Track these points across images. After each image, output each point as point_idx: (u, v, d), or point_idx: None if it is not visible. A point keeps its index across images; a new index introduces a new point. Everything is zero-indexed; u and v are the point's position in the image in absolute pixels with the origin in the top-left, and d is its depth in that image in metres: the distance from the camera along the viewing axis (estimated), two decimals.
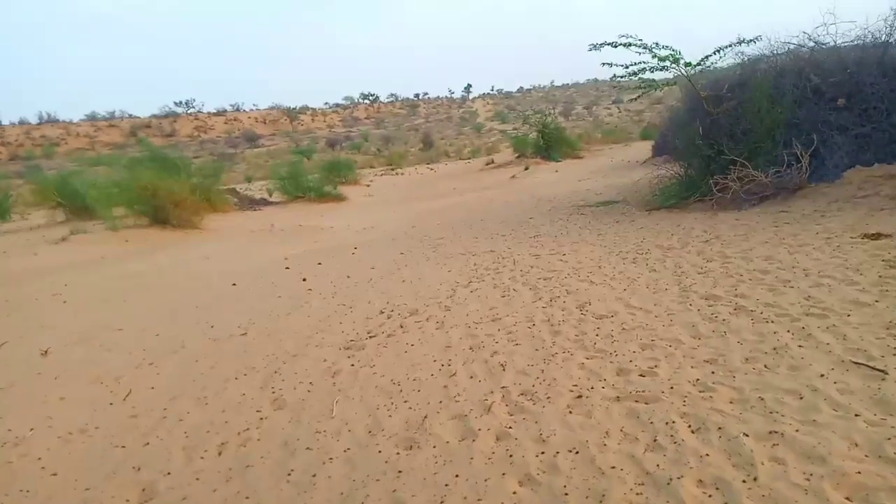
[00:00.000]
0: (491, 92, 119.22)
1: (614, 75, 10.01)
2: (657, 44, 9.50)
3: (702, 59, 9.53)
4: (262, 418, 3.39)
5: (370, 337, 4.70)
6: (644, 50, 9.61)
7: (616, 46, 9.88)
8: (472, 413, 3.06)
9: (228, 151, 64.39)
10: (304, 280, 7.50)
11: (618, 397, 3.01)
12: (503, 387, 3.33)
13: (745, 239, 6.33)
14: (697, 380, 3.06)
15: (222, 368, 4.36)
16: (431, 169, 36.11)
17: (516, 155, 30.15)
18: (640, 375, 3.23)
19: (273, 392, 3.77)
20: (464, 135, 72.49)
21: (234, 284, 7.71)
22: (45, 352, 5.15)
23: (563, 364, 3.54)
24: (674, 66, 9.59)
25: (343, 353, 4.38)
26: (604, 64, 9.81)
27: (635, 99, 10.68)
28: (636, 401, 2.95)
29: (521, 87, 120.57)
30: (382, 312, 5.44)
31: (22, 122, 79.68)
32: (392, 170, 37.42)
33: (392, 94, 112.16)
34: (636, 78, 9.87)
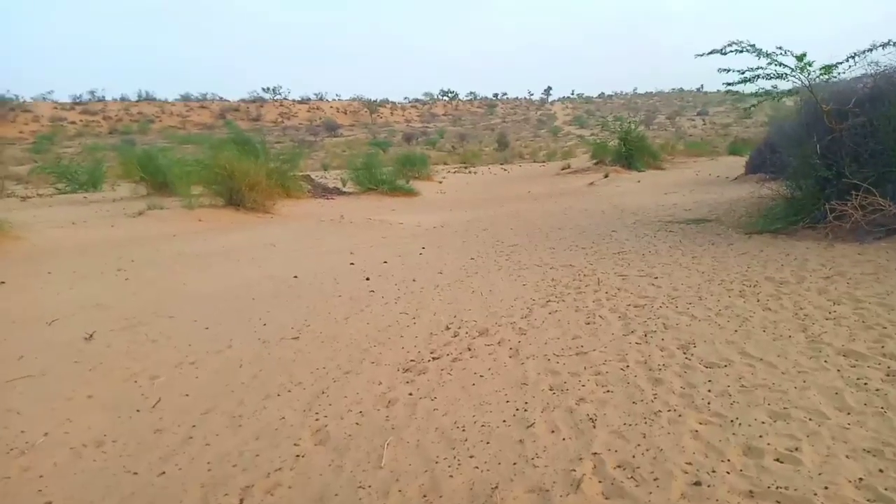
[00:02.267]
0: (571, 96, 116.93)
1: (726, 83, 9.00)
2: (780, 48, 8.45)
3: (830, 66, 8.41)
4: (298, 455, 2.86)
5: (433, 358, 4.12)
6: (761, 56, 8.59)
7: (725, 53, 8.91)
8: (556, 487, 2.42)
9: (308, 139, 65.86)
10: (368, 280, 7.04)
11: (751, 492, 2.29)
12: (594, 453, 2.67)
13: (876, 280, 5.35)
14: (860, 479, 2.30)
15: (266, 379, 3.90)
16: (505, 170, 35.36)
17: (594, 161, 29.11)
18: (777, 460, 2.49)
19: (317, 419, 3.25)
20: (540, 137, 71.21)
21: (296, 277, 7.33)
22: (90, 336, 4.88)
23: (671, 428, 2.84)
24: (796, 74, 8.51)
25: (401, 376, 3.82)
26: (720, 70, 8.81)
27: (752, 108, 9.57)
28: (778, 501, 2.22)
29: (603, 93, 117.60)
30: (448, 328, 4.86)
31: (123, 99, 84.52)
32: (465, 168, 36.90)
33: (471, 93, 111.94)
34: (751, 84, 8.83)
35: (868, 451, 2.50)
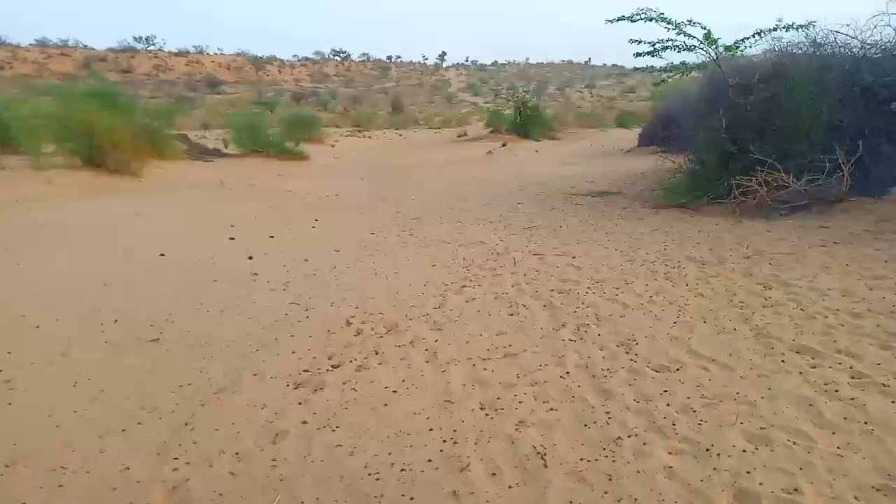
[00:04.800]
0: (465, 63, 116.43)
1: (636, 53, 8.66)
2: (689, 21, 8.22)
3: (738, 42, 8.31)
4: None
5: (332, 367, 3.32)
6: (670, 27, 8.33)
7: (634, 21, 8.58)
8: None
9: (187, 95, 60.68)
10: (250, 259, 6.03)
11: None
12: None
13: (796, 261, 5.18)
14: None
15: (108, 405, 2.91)
16: (400, 135, 34.36)
17: (490, 129, 28.88)
18: None
19: (175, 468, 2.37)
20: (434, 103, 70.44)
21: (163, 255, 6.16)
22: None
23: (638, 464, 2.27)
24: (704, 47, 8.34)
25: (292, 395, 2.99)
26: (631, 41, 8.45)
27: (661, 83, 9.35)
28: None
29: (496, 61, 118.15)
30: (350, 323, 4.06)
31: None
32: (359, 131, 35.42)
33: (364, 54, 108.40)
34: (659, 57, 8.57)
35: (877, 490, 2.05)
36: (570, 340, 3.60)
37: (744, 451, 2.33)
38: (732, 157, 7.98)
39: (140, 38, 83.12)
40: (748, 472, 2.19)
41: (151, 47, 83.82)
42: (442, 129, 39.99)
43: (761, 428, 2.48)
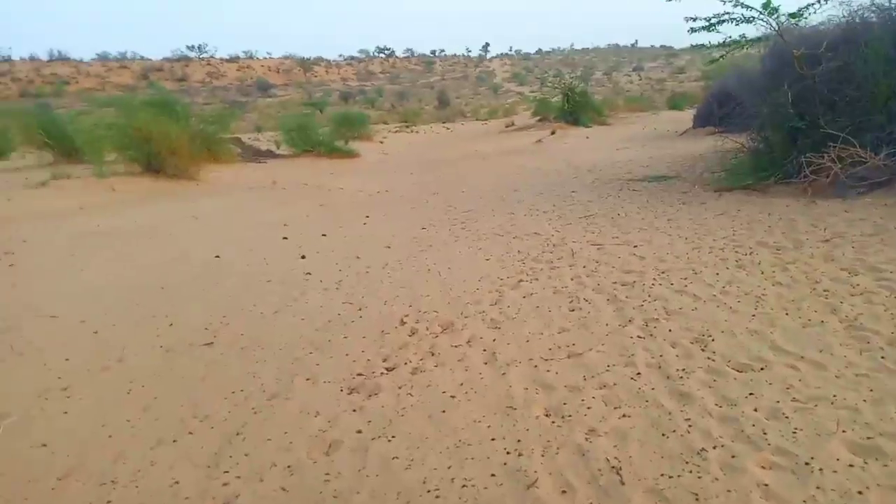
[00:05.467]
0: (509, 53, 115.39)
1: (691, 29, 8.19)
2: None
3: (801, 9, 7.74)
4: None
5: (387, 370, 3.19)
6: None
7: None
8: None
9: (240, 100, 62.44)
10: (303, 258, 5.99)
11: None
12: None
13: (882, 242, 4.73)
14: None
15: (161, 413, 2.86)
16: (448, 128, 34.26)
17: (537, 118, 28.41)
18: None
19: (225, 483, 2.27)
20: (480, 95, 70.14)
21: (218, 257, 6.20)
22: None
23: (729, 481, 2.02)
24: (764, 17, 7.80)
25: (346, 401, 2.87)
26: (687, 18, 7.99)
27: (718, 59, 8.82)
28: None
29: (540, 49, 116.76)
30: (404, 323, 3.92)
31: (32, 59, 77.64)
32: (406, 127, 35.52)
33: (408, 50, 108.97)
34: (716, 32, 8.06)
35: None
36: (639, 337, 3.34)
37: (850, 465, 2.05)
38: (801, 133, 7.45)
39: (193, 46, 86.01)
40: (860, 493, 1.91)
41: (204, 55, 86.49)
42: (489, 121, 39.68)
43: (868, 437, 2.19)
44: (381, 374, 3.13)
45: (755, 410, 2.45)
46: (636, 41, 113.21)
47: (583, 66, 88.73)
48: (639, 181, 9.53)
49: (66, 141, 16.06)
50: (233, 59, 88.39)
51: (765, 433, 2.28)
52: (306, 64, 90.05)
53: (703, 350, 3.10)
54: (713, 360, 2.97)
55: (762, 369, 2.82)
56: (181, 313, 4.38)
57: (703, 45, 8.48)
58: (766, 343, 3.11)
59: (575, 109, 25.25)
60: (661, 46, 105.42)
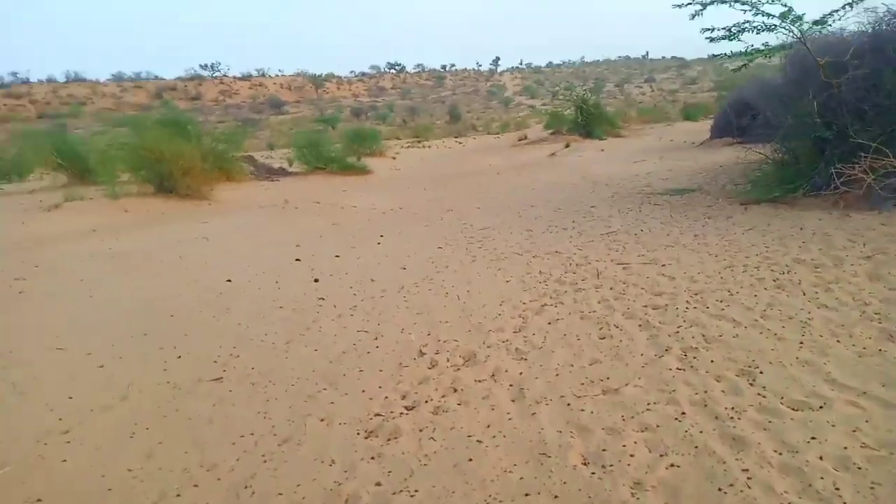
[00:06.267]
0: (519, 66, 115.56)
1: (710, 38, 7.95)
2: None
3: (825, 16, 7.48)
4: None
5: (407, 409, 2.95)
6: (746, 7, 7.60)
7: (706, 5, 7.88)
8: None
9: (253, 117, 62.97)
10: (316, 281, 5.79)
11: None
12: None
13: None
14: None
15: (165, 460, 2.64)
16: (459, 143, 34.14)
17: (550, 131, 28.18)
18: None
19: None
20: (491, 108, 70.12)
21: (229, 281, 6.02)
22: None
23: None
24: (786, 25, 7.57)
25: (363, 446, 2.63)
26: (703, 30, 7.77)
27: (740, 69, 8.59)
28: None
29: (551, 63, 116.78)
30: (423, 353, 3.69)
31: (49, 80, 78.94)
32: (418, 142, 35.49)
33: (418, 65, 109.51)
34: (736, 42, 7.82)
35: None
36: (678, 369, 3.09)
37: None
38: (828, 143, 7.19)
39: (206, 65, 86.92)
40: None
41: (217, 73, 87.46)
42: (501, 134, 39.56)
43: None
44: (401, 413, 2.89)
45: (820, 459, 2.19)
46: (647, 53, 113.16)
47: (594, 78, 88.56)
48: (659, 195, 9.26)
49: (80, 162, 16.12)
50: (245, 77, 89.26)
51: (837, 489, 2.01)
52: (318, 81, 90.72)
53: (751, 384, 2.84)
54: (764, 397, 2.71)
55: (821, 408, 2.56)
56: (190, 344, 4.18)
57: (723, 55, 8.22)
58: (820, 376, 2.85)
59: (588, 122, 25.00)
60: (673, 58, 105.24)
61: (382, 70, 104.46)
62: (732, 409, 2.63)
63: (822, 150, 7.28)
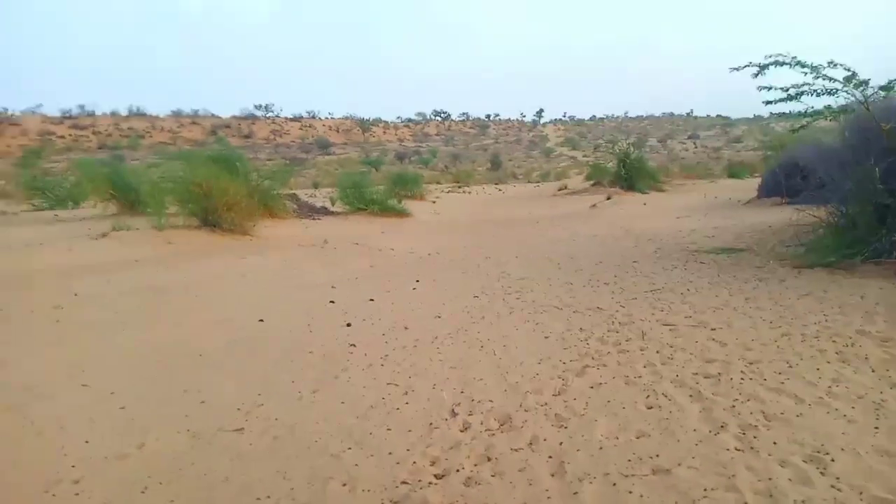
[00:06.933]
0: (563, 118, 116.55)
1: (767, 101, 7.80)
2: (831, 62, 7.32)
3: (892, 82, 7.26)
4: None
5: (436, 478, 2.72)
6: (807, 71, 7.43)
7: (764, 69, 7.73)
8: None
9: (300, 156, 64.74)
10: (349, 326, 5.65)
11: None
12: None
13: None
14: None
15: None
16: (500, 189, 34.26)
17: (591, 182, 28.00)
18: None
19: None
20: (532, 158, 70.59)
21: (261, 321, 5.94)
22: None
23: None
24: (849, 89, 7.36)
25: None
26: (760, 88, 7.63)
27: (799, 129, 8.35)
28: None
29: (594, 116, 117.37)
30: (455, 413, 3.46)
31: (113, 114, 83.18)
32: (459, 187, 35.75)
33: (464, 113, 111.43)
34: (794, 101, 7.64)
35: None
36: (737, 450, 2.79)
37: None
38: (890, 210, 6.87)
39: (260, 105, 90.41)
40: None
41: (270, 114, 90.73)
42: (541, 183, 39.60)
43: None
44: (429, 483, 2.67)
45: None
46: (691, 110, 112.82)
47: (637, 132, 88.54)
48: (706, 252, 8.92)
49: (131, 193, 16.65)
50: (296, 118, 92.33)
51: None
52: (365, 124, 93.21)
53: (822, 474, 2.53)
54: (840, 490, 2.40)
55: None
56: (215, 388, 4.05)
57: (785, 114, 8.02)
58: None
59: (630, 174, 24.77)
60: (717, 116, 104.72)
61: (428, 117, 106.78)
62: (803, 502, 2.33)
63: (884, 217, 6.96)
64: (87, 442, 3.22)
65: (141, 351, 4.98)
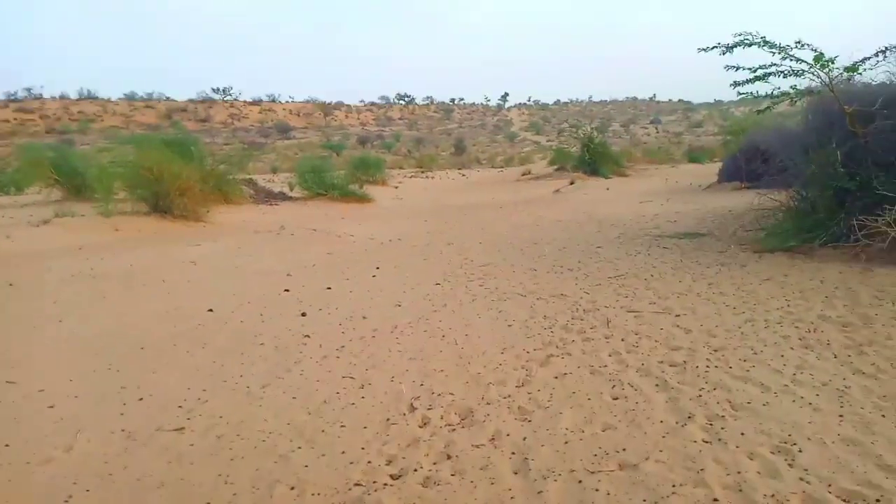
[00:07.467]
0: (527, 102, 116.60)
1: (735, 82, 7.74)
2: (798, 42, 7.28)
3: (857, 63, 7.26)
4: None
5: (392, 479, 2.54)
6: (775, 51, 7.38)
7: (731, 49, 7.66)
8: None
9: (259, 141, 63.21)
10: (303, 315, 5.41)
11: None
12: None
13: None
14: None
15: None
16: (463, 175, 34.09)
17: (555, 167, 28.06)
18: None
19: None
20: (497, 143, 70.49)
21: (211, 311, 5.65)
22: None
23: None
24: (815, 71, 7.34)
25: None
26: (727, 67, 7.56)
27: (763, 111, 8.34)
28: None
29: (559, 100, 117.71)
30: (414, 408, 3.28)
31: (63, 97, 79.57)
32: (422, 172, 35.48)
33: (428, 97, 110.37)
34: (761, 83, 7.59)
35: None
36: (705, 442, 2.69)
37: None
38: (850, 194, 6.90)
39: (218, 89, 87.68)
40: None
41: (228, 97, 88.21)
42: (504, 168, 39.58)
43: None
44: (385, 485, 2.48)
45: None
46: (654, 95, 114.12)
47: (600, 117, 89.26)
48: (668, 237, 8.93)
49: (77, 178, 15.91)
50: (255, 102, 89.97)
51: None
52: (327, 108, 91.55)
53: (790, 466, 2.45)
54: (808, 483, 2.31)
55: (878, 501, 2.16)
56: (156, 384, 3.78)
57: (750, 94, 7.99)
58: (870, 458, 2.46)
59: (594, 159, 24.88)
60: (679, 101, 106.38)
61: (392, 101, 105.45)
62: (773, 496, 2.23)
63: (843, 201, 6.99)
64: (7, 445, 2.93)
65: (78, 344, 4.65)
